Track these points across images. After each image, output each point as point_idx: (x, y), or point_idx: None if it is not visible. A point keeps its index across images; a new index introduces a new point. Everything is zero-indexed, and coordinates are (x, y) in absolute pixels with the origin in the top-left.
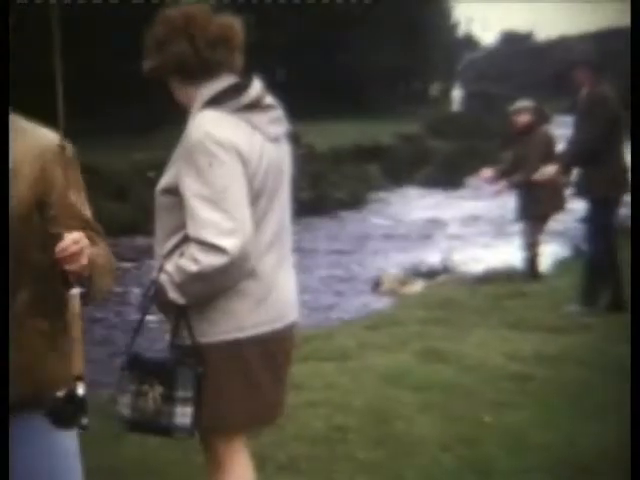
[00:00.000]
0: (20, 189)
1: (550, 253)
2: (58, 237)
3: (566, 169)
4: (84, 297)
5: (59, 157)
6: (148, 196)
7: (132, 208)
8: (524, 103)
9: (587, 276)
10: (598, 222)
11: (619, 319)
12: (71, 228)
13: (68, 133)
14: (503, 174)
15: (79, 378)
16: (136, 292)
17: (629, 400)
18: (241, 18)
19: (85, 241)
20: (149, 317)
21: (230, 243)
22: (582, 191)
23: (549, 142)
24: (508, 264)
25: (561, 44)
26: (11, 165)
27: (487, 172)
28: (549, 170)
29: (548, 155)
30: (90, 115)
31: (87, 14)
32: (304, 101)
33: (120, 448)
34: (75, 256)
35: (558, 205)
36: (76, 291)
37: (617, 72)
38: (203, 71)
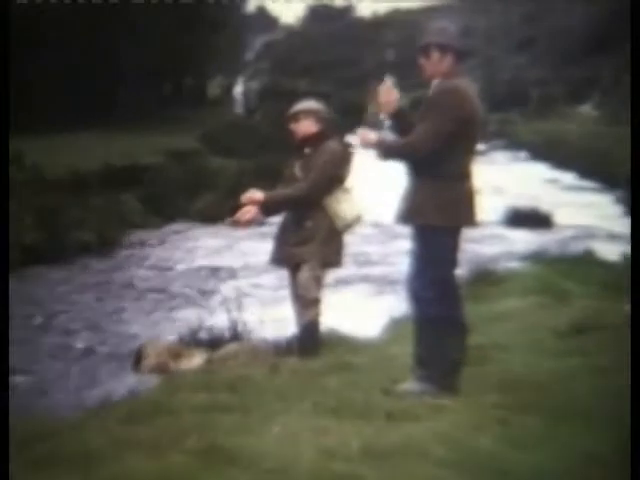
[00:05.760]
0: None
1: (384, 310)
2: None
3: (384, 153)
4: None
5: None
6: None
7: None
8: (305, 104)
9: (418, 339)
10: (428, 260)
11: (478, 400)
12: None
13: None
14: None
15: None
16: None
17: None
18: None
19: None
20: None
21: None
22: (407, 215)
23: (337, 161)
24: (327, 326)
25: (396, 21)
26: None
27: (246, 214)
28: (371, 136)
29: (336, 178)
30: None
31: None
32: (32, 110)
33: None
34: None
35: (338, 251)
36: None
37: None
38: None
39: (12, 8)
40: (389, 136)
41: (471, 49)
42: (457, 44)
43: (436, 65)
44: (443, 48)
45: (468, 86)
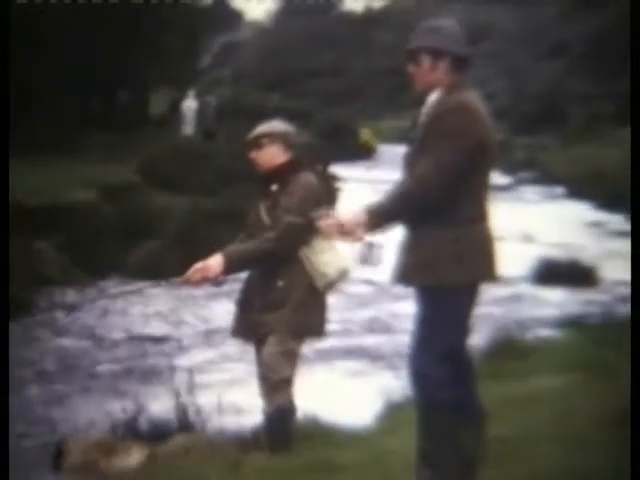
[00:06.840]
0: None
1: (377, 391)
2: None
3: (378, 223)
4: None
5: None
6: None
7: None
8: (269, 126)
9: (422, 429)
10: (436, 328)
11: None
12: None
13: None
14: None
15: None
16: None
17: None
18: None
19: None
20: None
21: None
22: (407, 273)
23: (315, 198)
24: (304, 413)
25: (394, 17)
26: None
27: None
28: (350, 218)
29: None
30: None
31: None
32: None
33: None
34: None
35: (319, 317)
36: None
37: None
38: None
39: (12, 8)
40: (377, 166)
41: (472, 55)
42: (453, 48)
43: (427, 74)
44: (435, 53)
45: (475, 101)
